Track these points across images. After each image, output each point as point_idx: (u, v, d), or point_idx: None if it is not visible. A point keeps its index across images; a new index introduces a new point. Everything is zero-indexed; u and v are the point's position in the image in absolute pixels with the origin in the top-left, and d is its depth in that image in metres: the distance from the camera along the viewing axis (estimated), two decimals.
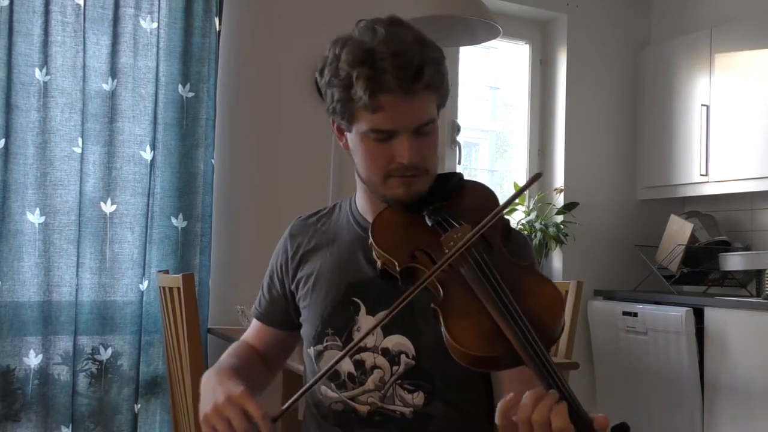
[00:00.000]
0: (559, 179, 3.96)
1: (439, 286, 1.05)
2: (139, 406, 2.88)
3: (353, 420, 1.25)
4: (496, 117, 4.89)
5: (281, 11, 3.31)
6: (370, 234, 1.19)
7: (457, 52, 3.77)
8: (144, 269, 2.91)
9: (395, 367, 1.21)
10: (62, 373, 2.76)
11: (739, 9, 3.71)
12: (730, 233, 3.79)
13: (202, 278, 2.99)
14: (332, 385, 1.26)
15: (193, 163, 3.01)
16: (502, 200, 1.16)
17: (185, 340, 2.31)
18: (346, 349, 1.05)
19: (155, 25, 2.97)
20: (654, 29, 4.22)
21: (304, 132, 3.27)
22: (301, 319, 1.34)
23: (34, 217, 2.75)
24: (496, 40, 3.03)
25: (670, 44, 3.96)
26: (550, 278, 1.10)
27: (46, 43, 2.78)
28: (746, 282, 3.71)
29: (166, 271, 2.75)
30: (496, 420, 0.90)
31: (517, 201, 3.86)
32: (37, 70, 2.77)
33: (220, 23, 3.09)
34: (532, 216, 3.88)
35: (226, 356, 1.32)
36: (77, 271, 2.79)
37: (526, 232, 3.74)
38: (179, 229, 2.98)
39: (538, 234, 3.79)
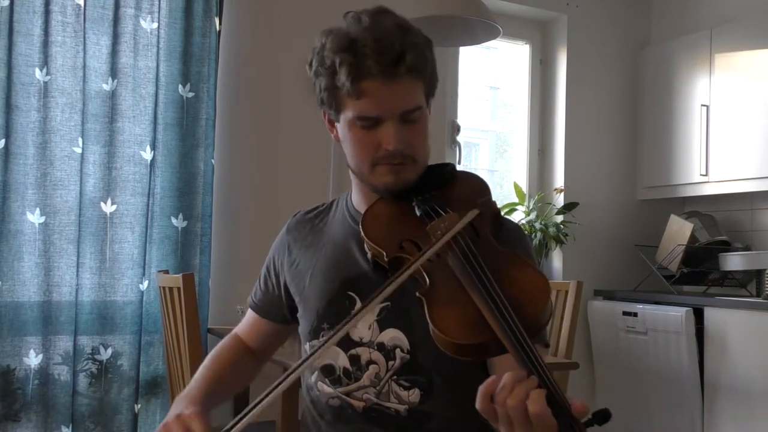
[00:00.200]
0: (559, 179, 3.96)
1: (425, 274, 1.05)
2: (139, 406, 2.88)
3: (350, 416, 1.24)
4: (496, 117, 4.88)
5: (281, 11, 3.31)
6: (360, 226, 1.19)
7: (457, 52, 3.77)
8: (144, 269, 2.91)
9: (390, 362, 1.21)
10: (62, 373, 2.76)
11: (739, 9, 3.71)
12: (730, 233, 3.79)
13: (202, 278, 2.99)
14: (327, 380, 1.26)
15: (193, 163, 3.01)
16: (495, 196, 1.16)
17: (185, 340, 2.31)
18: (315, 348, 1.02)
19: (155, 25, 2.97)
20: (654, 29, 4.22)
21: (304, 132, 3.27)
22: (297, 315, 1.35)
23: (34, 217, 2.75)
24: (496, 40, 3.03)
25: (670, 44, 3.96)
26: (535, 265, 1.08)
27: (46, 43, 2.78)
28: (746, 282, 3.71)
29: (166, 271, 2.75)
30: (477, 404, 0.90)
31: (517, 201, 3.87)
32: (37, 70, 2.77)
33: (220, 23, 3.09)
34: (532, 216, 3.88)
35: (201, 369, 1.33)
36: (77, 271, 2.80)
37: (526, 232, 3.73)
38: (179, 229, 2.98)
39: (538, 234, 3.79)
